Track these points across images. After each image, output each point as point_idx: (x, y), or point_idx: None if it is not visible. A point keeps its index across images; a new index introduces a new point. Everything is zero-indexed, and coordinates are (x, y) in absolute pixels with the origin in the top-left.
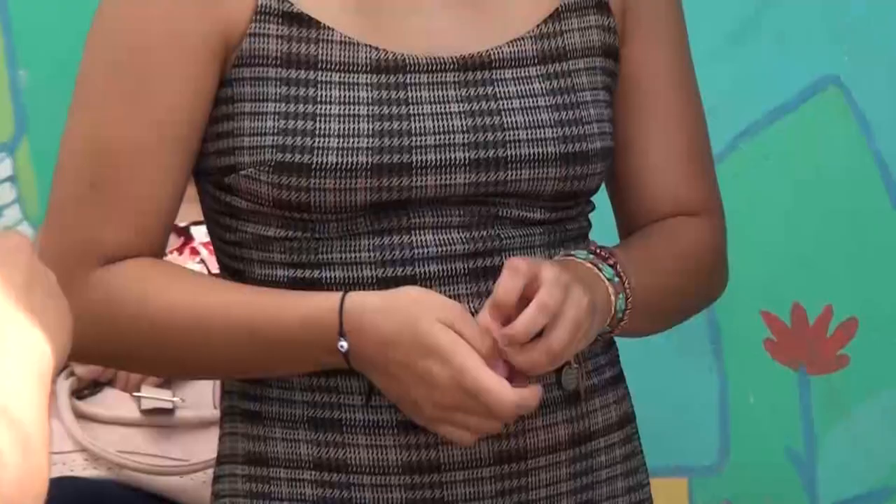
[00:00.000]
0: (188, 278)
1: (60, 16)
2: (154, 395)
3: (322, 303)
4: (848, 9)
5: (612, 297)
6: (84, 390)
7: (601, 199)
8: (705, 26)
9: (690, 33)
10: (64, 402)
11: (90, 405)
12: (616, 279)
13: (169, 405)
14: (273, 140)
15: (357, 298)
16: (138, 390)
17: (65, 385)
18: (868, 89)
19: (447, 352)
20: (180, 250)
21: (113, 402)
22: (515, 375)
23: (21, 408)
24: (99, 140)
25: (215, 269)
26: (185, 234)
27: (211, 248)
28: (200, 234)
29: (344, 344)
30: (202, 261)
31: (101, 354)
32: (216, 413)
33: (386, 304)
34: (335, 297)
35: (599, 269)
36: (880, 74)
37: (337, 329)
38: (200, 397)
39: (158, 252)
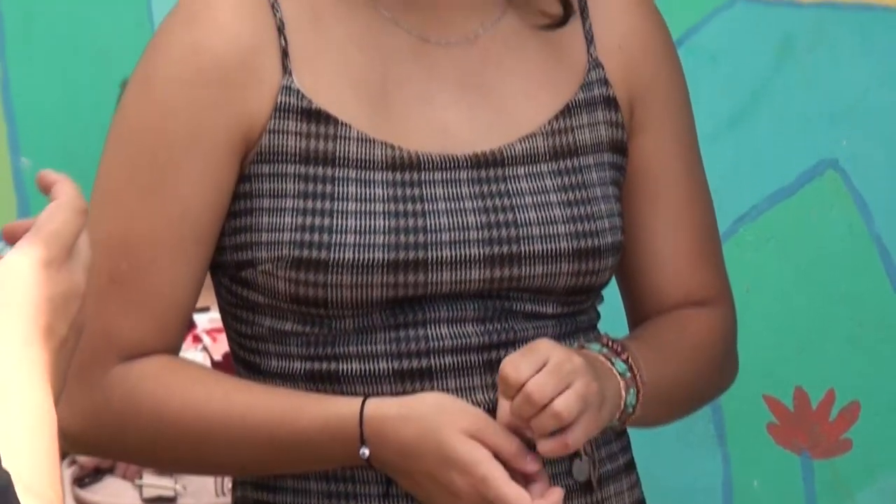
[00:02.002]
0: (208, 379)
1: (64, 104)
2: (156, 483)
3: (342, 409)
4: (845, 93)
5: (623, 392)
6: (85, 478)
7: (610, 287)
8: (704, 110)
9: (695, 113)
10: (66, 489)
11: (91, 493)
12: (628, 374)
13: (171, 493)
14: (291, 236)
15: (377, 405)
16: (140, 478)
17: (67, 473)
18: (867, 173)
19: (469, 463)
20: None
21: (114, 490)
22: (535, 478)
23: (41, 483)
24: (119, 234)
25: (218, 356)
26: None
27: (214, 335)
28: (203, 321)
29: (366, 451)
30: (205, 348)
31: (118, 451)
32: (218, 501)
33: (406, 410)
34: (355, 403)
35: (612, 364)
36: (879, 158)
37: (358, 437)
38: (202, 485)
39: (176, 345)
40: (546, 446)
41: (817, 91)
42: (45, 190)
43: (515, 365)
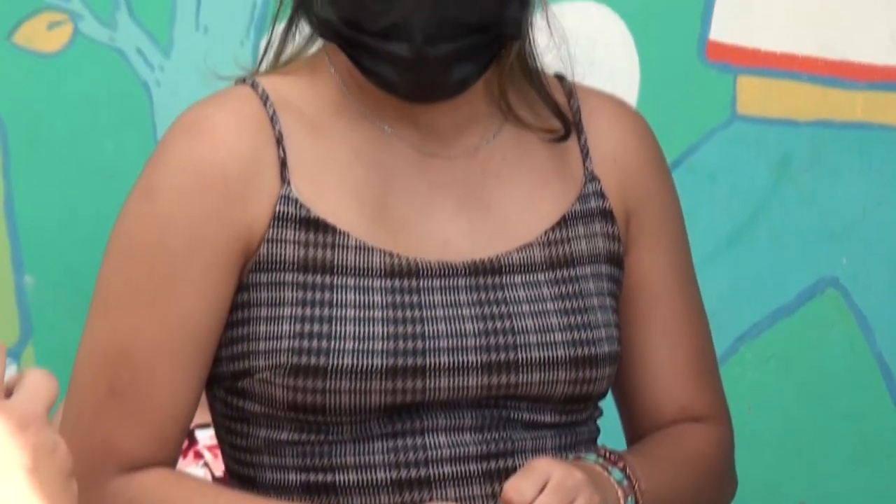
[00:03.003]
0: (208, 492)
1: (67, 223)
2: None
3: None
4: (844, 211)
5: (622, 500)
6: None
7: (608, 404)
8: (703, 229)
9: (689, 237)
10: None
11: None
12: (625, 482)
13: None
14: (289, 343)
15: None
16: None
17: None
18: (867, 291)
19: None
20: (184, 453)
21: None
22: None
23: None
24: (118, 345)
25: (219, 472)
26: (189, 436)
27: (215, 451)
28: (205, 437)
29: None
30: (206, 464)
31: None
32: None
33: None
34: None
35: (609, 472)
36: (879, 276)
37: None
38: None
39: (175, 456)
40: None
41: (816, 209)
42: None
43: (518, 488)
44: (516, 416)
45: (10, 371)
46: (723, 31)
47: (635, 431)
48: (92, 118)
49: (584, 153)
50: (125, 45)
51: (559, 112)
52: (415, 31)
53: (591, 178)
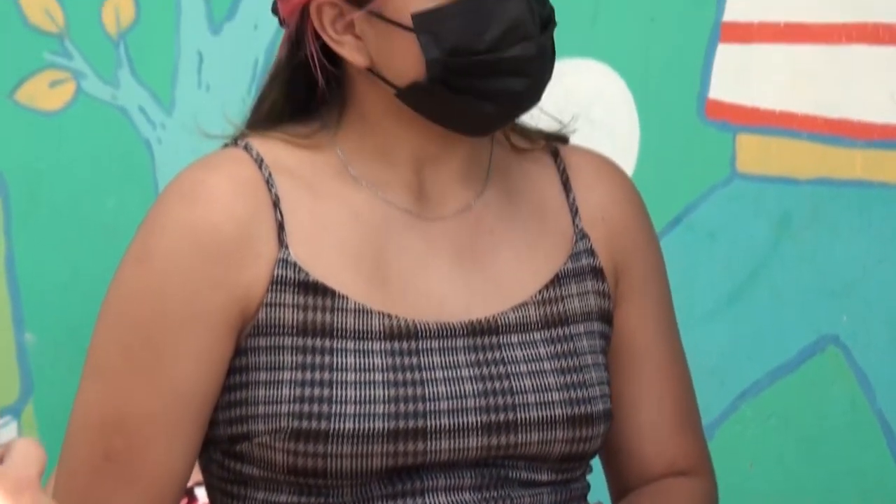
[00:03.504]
0: None
1: (67, 280)
2: None
3: None
4: (844, 269)
5: None
6: None
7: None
8: (703, 286)
9: (689, 294)
10: None
11: None
12: None
13: None
14: (289, 408)
15: None
16: None
17: None
18: (868, 349)
19: None
20: None
21: None
22: None
23: None
24: (112, 411)
25: None
26: (189, 495)
27: None
28: (203, 495)
29: None
30: None
31: None
32: None
33: None
34: None
35: None
36: (880, 334)
37: None
38: None
39: None
40: None
41: (816, 267)
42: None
43: None
44: (514, 474)
45: (11, 427)
46: (722, 89)
47: (621, 486)
48: (93, 176)
49: (574, 211)
50: (127, 103)
51: (546, 134)
52: (530, 28)
53: (582, 235)
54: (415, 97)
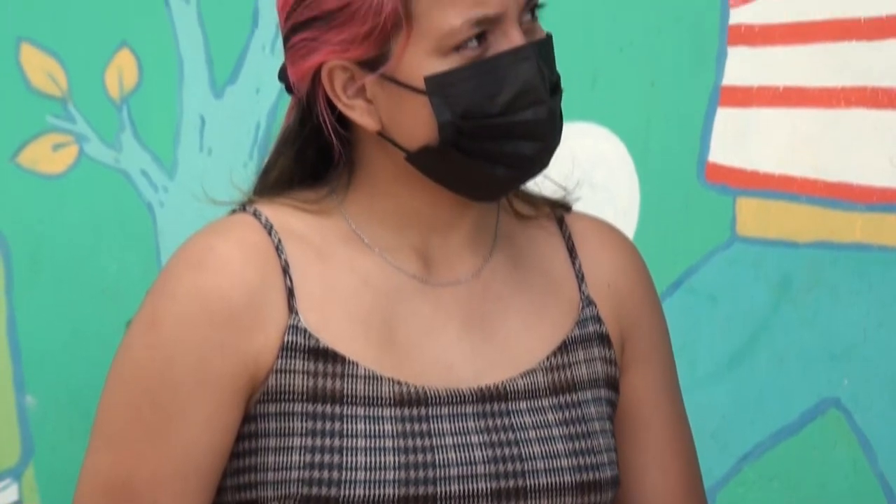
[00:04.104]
0: None
1: (68, 343)
2: None
3: None
4: (845, 332)
5: None
6: None
7: None
8: (704, 350)
9: (690, 357)
10: None
11: None
12: None
13: None
14: (300, 474)
15: None
16: None
17: None
18: (869, 412)
19: None
20: None
21: None
22: None
23: None
24: (120, 476)
25: None
26: None
27: None
28: None
29: None
30: None
31: None
32: None
33: None
34: None
35: None
36: (881, 397)
37: None
38: None
39: None
40: None
41: (817, 330)
42: None
43: None
44: None
45: (12, 490)
46: (722, 153)
47: None
48: (95, 239)
49: (580, 278)
50: (130, 167)
51: (551, 201)
52: (541, 92)
53: (588, 302)
54: (426, 161)
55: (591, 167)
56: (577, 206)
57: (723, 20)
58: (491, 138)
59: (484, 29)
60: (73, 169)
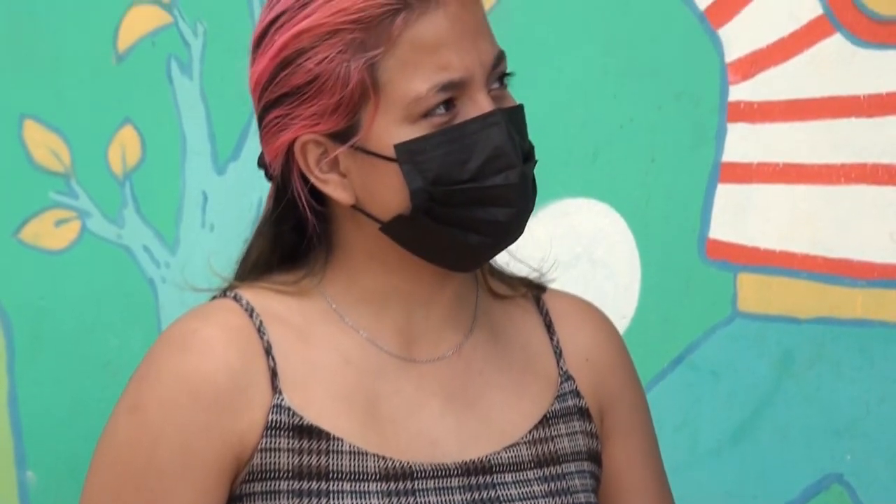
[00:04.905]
0: None
1: (69, 418)
2: None
3: None
4: (847, 408)
5: None
6: None
7: None
8: (706, 425)
9: (693, 433)
10: None
11: None
12: None
13: None
14: None
15: None
16: None
17: None
18: (871, 487)
19: None
20: None
21: None
22: None
23: None
24: None
25: None
26: None
27: None
28: None
29: None
30: None
31: None
32: None
33: None
34: None
35: None
36: (883, 472)
37: None
38: None
39: None
40: None
41: (819, 406)
42: None
43: None
44: None
45: None
46: (722, 229)
47: None
48: (97, 314)
49: (558, 353)
50: (132, 243)
51: (526, 281)
52: (512, 157)
53: (567, 377)
54: (399, 231)
55: (591, 243)
56: (578, 281)
57: (722, 97)
58: (463, 205)
59: (451, 95)
60: (75, 244)
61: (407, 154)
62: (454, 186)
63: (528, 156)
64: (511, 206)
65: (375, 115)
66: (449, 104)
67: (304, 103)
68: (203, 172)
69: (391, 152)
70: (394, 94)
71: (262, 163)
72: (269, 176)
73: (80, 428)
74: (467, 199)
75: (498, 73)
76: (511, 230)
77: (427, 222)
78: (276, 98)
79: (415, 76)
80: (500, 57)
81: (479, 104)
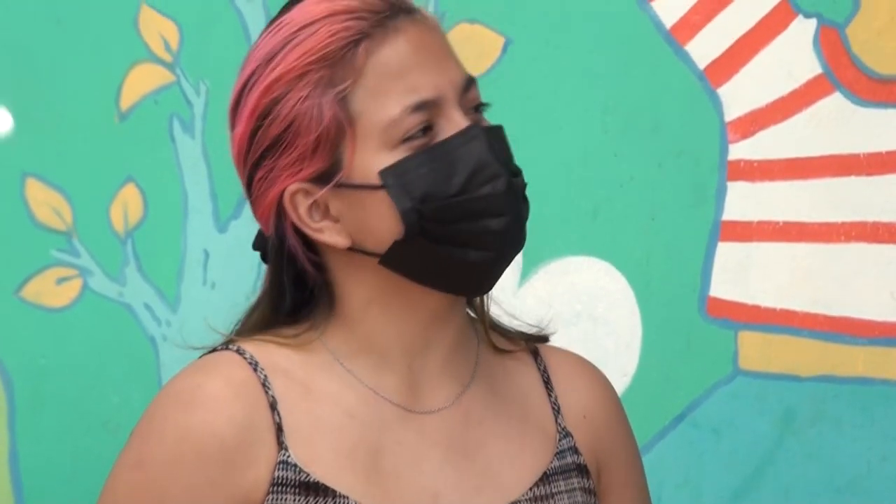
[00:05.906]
0: None
1: (70, 476)
2: None
3: None
4: (848, 467)
5: None
6: None
7: None
8: (708, 483)
9: (695, 491)
10: None
11: None
12: None
13: None
14: None
15: None
16: None
17: None
18: None
19: None
20: None
21: None
22: None
23: None
24: None
25: None
26: None
27: None
28: None
29: None
30: None
31: None
32: None
33: None
34: None
35: None
36: None
37: None
38: None
39: None
40: None
41: (821, 464)
42: None
43: None
44: None
45: None
46: (723, 287)
47: None
48: (98, 372)
49: (556, 410)
50: (133, 301)
51: (526, 335)
52: (495, 166)
53: (565, 434)
54: (398, 259)
55: (592, 300)
56: (579, 339)
57: (722, 156)
58: (454, 220)
59: (426, 117)
60: (76, 302)
61: (392, 177)
62: (443, 202)
63: (514, 173)
64: (503, 215)
65: (355, 148)
66: (427, 129)
67: (284, 152)
68: (205, 230)
69: (376, 180)
70: (369, 123)
71: (256, 245)
72: (264, 258)
73: (80, 485)
74: (458, 213)
75: (472, 102)
76: (507, 239)
77: (423, 244)
78: (258, 157)
79: (387, 102)
80: (471, 81)
81: (455, 122)
